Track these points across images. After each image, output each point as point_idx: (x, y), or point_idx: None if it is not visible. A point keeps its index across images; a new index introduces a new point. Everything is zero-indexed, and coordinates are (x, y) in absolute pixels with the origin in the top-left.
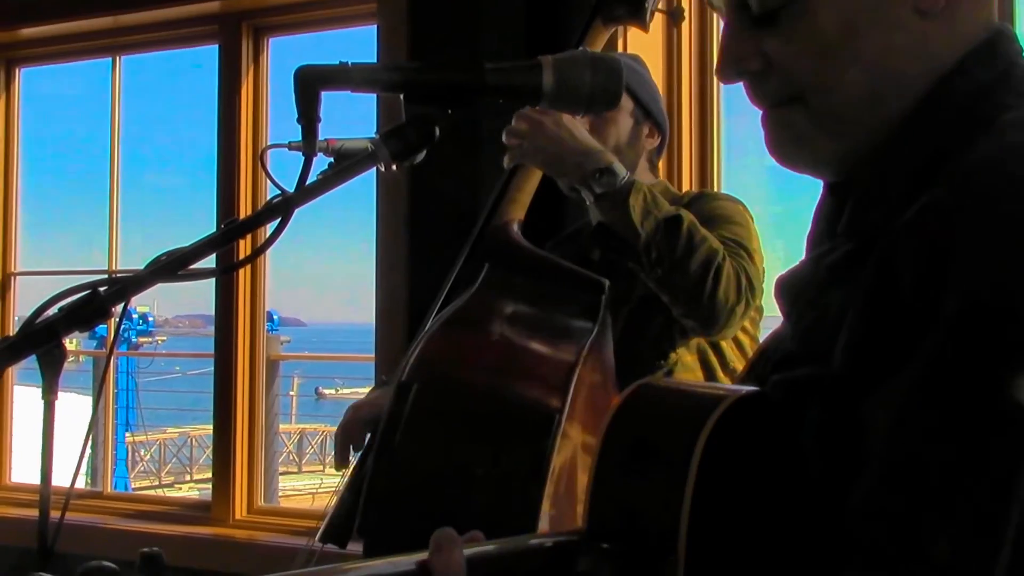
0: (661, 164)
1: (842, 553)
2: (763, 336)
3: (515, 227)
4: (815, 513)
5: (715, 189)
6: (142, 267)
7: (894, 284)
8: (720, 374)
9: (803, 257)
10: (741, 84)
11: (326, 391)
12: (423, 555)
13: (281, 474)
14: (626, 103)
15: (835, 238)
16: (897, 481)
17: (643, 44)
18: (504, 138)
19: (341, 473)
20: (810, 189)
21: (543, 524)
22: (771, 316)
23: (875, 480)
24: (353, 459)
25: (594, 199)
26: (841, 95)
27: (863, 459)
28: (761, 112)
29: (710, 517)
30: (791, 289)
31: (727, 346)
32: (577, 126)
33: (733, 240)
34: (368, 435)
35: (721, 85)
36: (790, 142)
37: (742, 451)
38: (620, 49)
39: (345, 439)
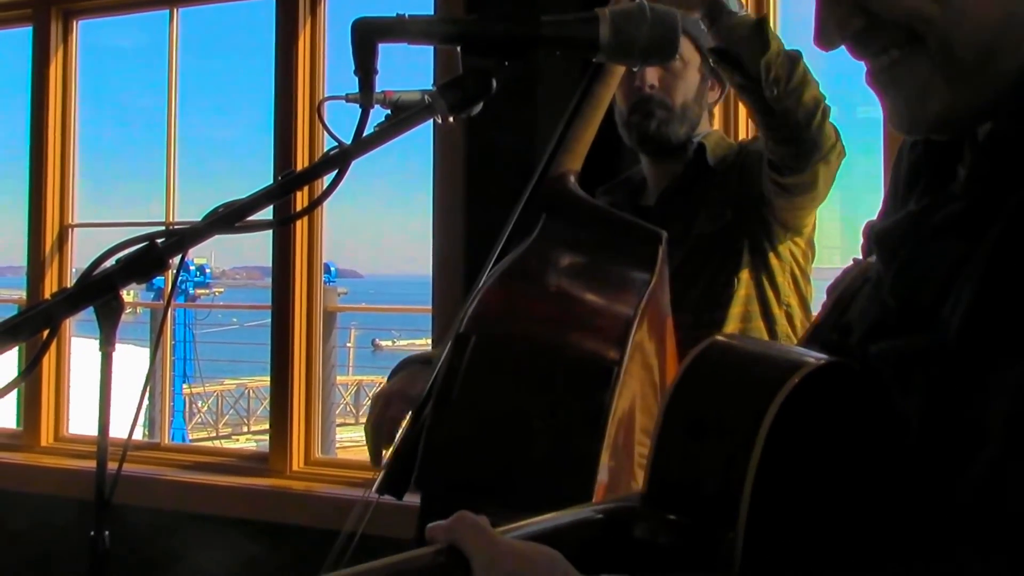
0: (719, 115)
1: (954, 529)
2: (812, 275)
3: (572, 178)
4: (908, 488)
5: None
6: (199, 219)
7: (1020, 256)
8: (775, 308)
9: (884, 200)
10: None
11: (383, 343)
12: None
13: (338, 425)
14: (693, 58)
15: (937, 193)
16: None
17: None
18: None
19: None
20: (865, 143)
21: (601, 476)
22: (821, 267)
23: (997, 455)
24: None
25: (714, 20)
26: (963, 31)
27: (979, 433)
28: (867, 73)
29: (774, 493)
30: (888, 242)
31: (783, 281)
32: None
33: None
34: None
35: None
36: (909, 100)
37: (812, 425)
38: None
39: (377, 439)
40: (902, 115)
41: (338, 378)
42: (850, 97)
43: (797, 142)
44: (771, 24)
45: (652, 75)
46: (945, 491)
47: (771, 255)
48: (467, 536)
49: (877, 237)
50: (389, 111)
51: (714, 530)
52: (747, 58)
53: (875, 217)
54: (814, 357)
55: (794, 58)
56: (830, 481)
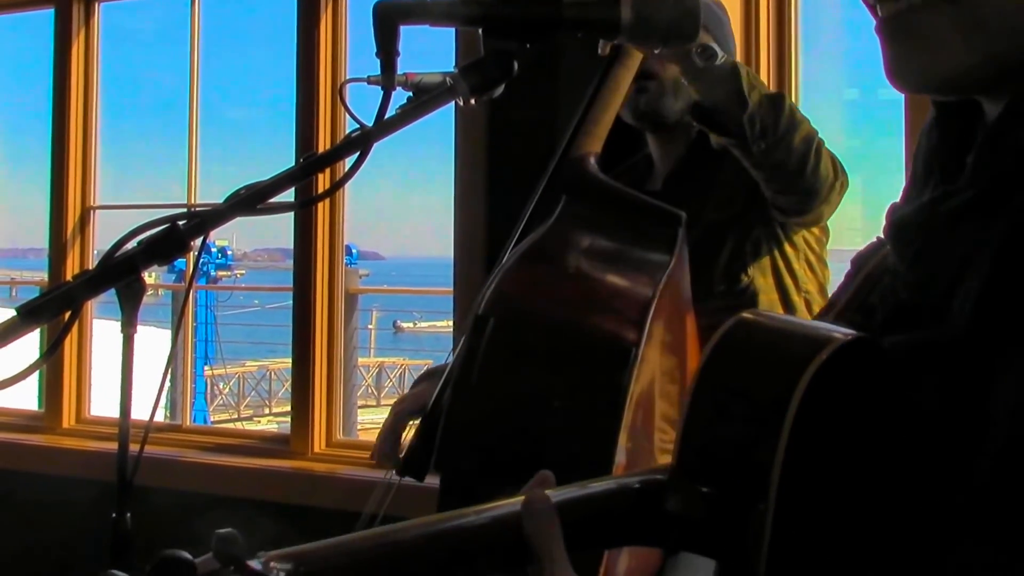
0: None
1: (958, 526)
2: (828, 258)
3: (591, 160)
4: (924, 477)
5: None
6: (221, 201)
7: None
8: (794, 296)
9: (907, 186)
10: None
11: (404, 324)
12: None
13: (360, 407)
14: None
15: (952, 179)
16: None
17: None
18: None
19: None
20: (887, 124)
21: (619, 458)
22: (841, 249)
23: (1001, 447)
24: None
25: (695, 75)
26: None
27: (987, 425)
28: (880, 22)
29: (804, 467)
30: (904, 229)
31: (799, 267)
32: None
33: None
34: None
35: (799, 18)
36: (920, 51)
37: (842, 401)
38: None
39: (393, 437)
40: (908, 66)
41: (360, 360)
42: (872, 79)
43: (794, 190)
44: (749, 69)
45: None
46: (955, 484)
47: (785, 243)
48: (545, 539)
49: (893, 226)
50: (411, 93)
51: (744, 502)
52: (729, 114)
53: (898, 199)
54: (843, 332)
55: (777, 103)
56: (858, 457)
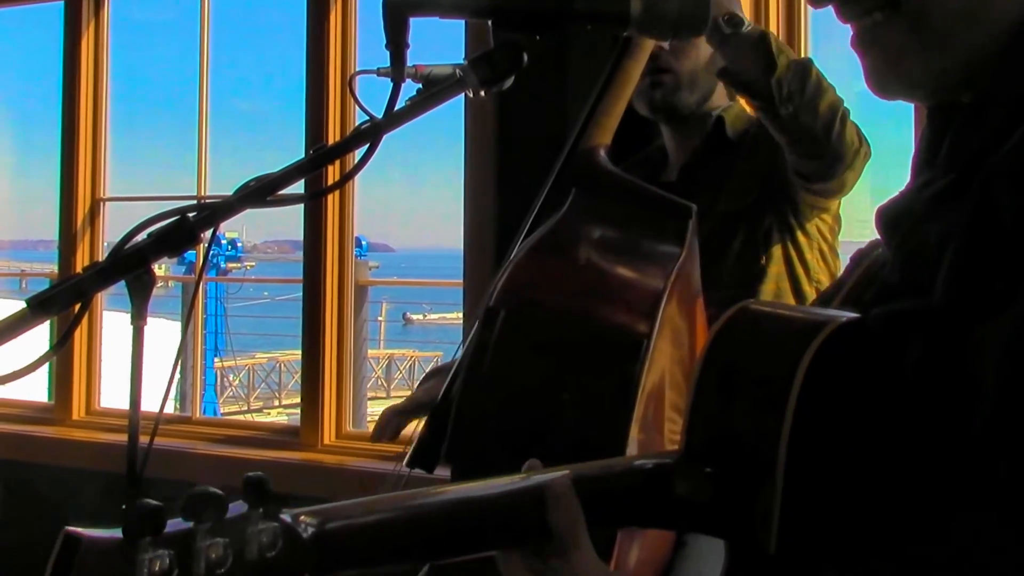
0: None
1: (960, 486)
2: (840, 249)
3: (602, 152)
4: (915, 445)
5: None
6: (231, 193)
7: (995, 213)
8: (805, 286)
9: (907, 183)
10: (831, 8)
11: (414, 316)
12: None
13: (369, 399)
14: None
15: (935, 167)
16: (1017, 409)
17: None
18: None
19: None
20: (898, 117)
21: (631, 449)
22: (851, 241)
23: (992, 411)
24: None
25: (722, 41)
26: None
27: (969, 392)
28: (852, 36)
29: (809, 443)
30: (892, 219)
31: (811, 257)
32: None
33: None
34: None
35: (809, 11)
36: (885, 61)
37: (842, 379)
38: None
39: (391, 417)
40: (879, 76)
41: (369, 352)
42: None
43: (820, 156)
44: (776, 36)
45: None
46: (946, 449)
47: (799, 232)
48: (571, 526)
49: (882, 217)
50: (420, 85)
51: (752, 480)
52: (757, 78)
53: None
54: (843, 314)
55: (805, 68)
56: (860, 430)
